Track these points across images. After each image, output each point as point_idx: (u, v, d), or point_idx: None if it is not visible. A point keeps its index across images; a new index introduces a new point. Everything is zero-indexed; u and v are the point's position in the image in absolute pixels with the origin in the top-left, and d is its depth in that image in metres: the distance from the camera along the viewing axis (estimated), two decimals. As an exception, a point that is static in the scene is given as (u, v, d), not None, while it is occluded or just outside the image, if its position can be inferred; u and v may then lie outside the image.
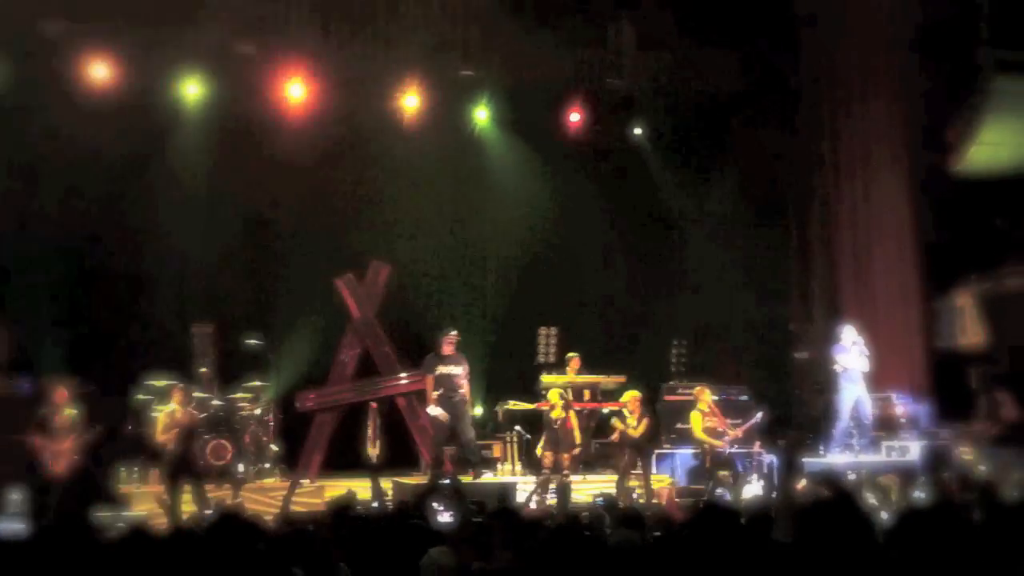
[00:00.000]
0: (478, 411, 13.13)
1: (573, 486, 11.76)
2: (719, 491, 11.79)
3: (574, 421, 12.37)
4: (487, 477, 12.53)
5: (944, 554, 4.58)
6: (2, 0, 12.23)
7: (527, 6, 14.84)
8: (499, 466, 13.21)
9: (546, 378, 13.45)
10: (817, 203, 15.39)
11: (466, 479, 11.66)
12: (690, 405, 13.12)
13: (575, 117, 15.56)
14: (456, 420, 12.40)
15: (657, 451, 13.51)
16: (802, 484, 9.08)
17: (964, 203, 13.65)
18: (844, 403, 12.90)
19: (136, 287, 13.47)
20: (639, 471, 12.30)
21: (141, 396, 12.17)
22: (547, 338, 14.75)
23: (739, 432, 12.44)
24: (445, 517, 7.78)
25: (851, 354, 12.93)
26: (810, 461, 12.31)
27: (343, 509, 6.99)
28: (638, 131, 16.10)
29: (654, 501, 11.57)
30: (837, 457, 12.61)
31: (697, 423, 12.43)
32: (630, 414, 12.25)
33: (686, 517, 7.05)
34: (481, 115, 15.25)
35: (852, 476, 11.59)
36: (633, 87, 15.67)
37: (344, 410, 13.96)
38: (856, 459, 12.50)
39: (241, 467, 12.09)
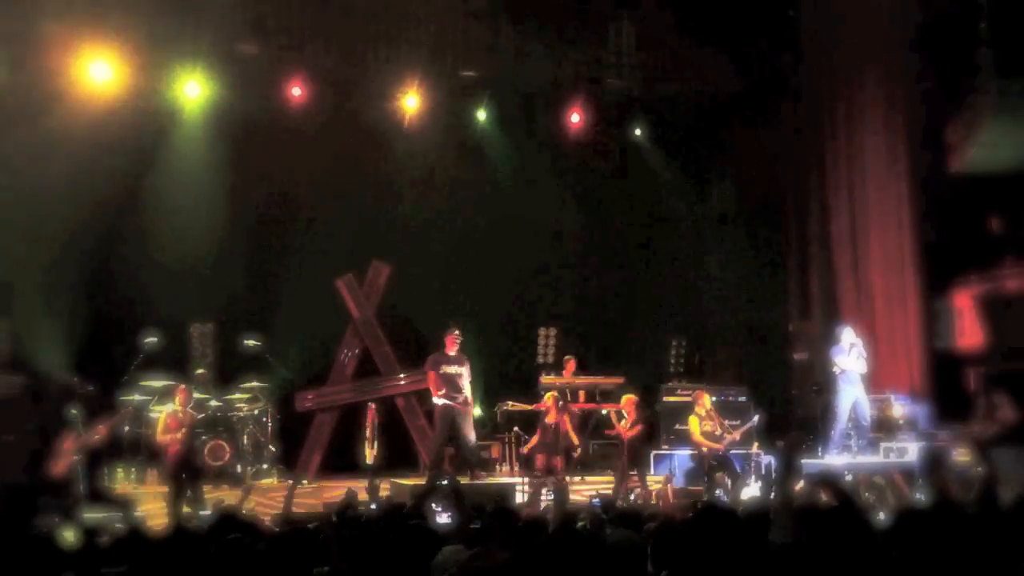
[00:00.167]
0: (477, 411, 13.09)
1: (571, 488, 11.77)
2: (717, 492, 11.81)
3: (569, 425, 12.40)
4: (486, 478, 12.52)
5: (942, 555, 4.59)
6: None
7: (527, 7, 14.86)
8: (498, 467, 13.21)
9: (545, 379, 13.46)
10: (816, 203, 15.39)
11: (464, 480, 11.65)
12: (688, 406, 13.15)
13: (575, 118, 15.57)
14: (457, 422, 12.37)
15: (655, 452, 13.53)
16: (799, 485, 9.07)
17: (963, 204, 13.65)
18: (842, 404, 12.89)
19: (136, 287, 13.46)
20: (634, 473, 12.31)
21: (139, 396, 12.18)
22: (546, 339, 14.79)
23: (737, 435, 12.48)
24: (444, 518, 7.76)
25: (850, 355, 12.92)
26: (808, 462, 12.31)
27: (344, 509, 7.00)
28: (638, 131, 16.12)
29: (651, 502, 11.57)
30: (835, 458, 12.60)
31: (695, 426, 12.48)
32: (626, 416, 12.29)
33: (684, 517, 7.06)
34: (481, 115, 15.26)
35: (849, 477, 11.59)
36: (633, 87, 15.68)
37: (343, 410, 13.97)
38: (854, 460, 12.50)
39: (239, 467, 12.09)
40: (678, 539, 5.34)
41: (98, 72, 13.09)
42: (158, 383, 12.36)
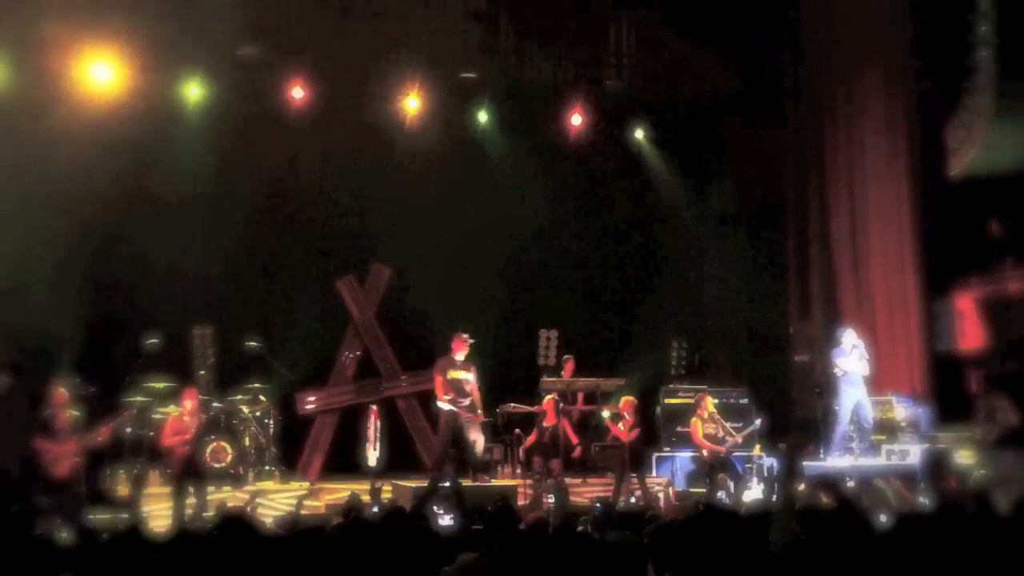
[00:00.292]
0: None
1: (572, 490, 11.77)
2: (719, 494, 11.81)
3: (568, 427, 12.43)
4: (488, 481, 12.50)
5: (943, 557, 4.59)
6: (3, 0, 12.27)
7: (527, 8, 14.87)
8: (499, 469, 13.21)
9: (546, 380, 13.47)
10: (816, 205, 15.39)
11: (466, 482, 11.65)
12: (690, 408, 13.17)
13: (575, 118, 15.58)
14: (462, 427, 12.33)
15: (656, 454, 13.53)
16: (801, 488, 9.08)
17: (963, 205, 13.65)
18: (844, 407, 12.89)
19: (137, 288, 13.47)
20: (634, 475, 12.31)
21: (140, 398, 12.18)
22: (547, 340, 14.79)
23: (739, 438, 12.51)
24: (446, 520, 7.76)
25: (851, 357, 12.92)
26: (810, 465, 12.32)
27: (348, 512, 7.00)
28: (638, 132, 16.12)
29: (652, 504, 11.57)
30: (837, 461, 12.61)
31: (698, 428, 12.49)
32: (626, 418, 12.30)
33: (685, 520, 7.06)
34: (481, 117, 15.27)
35: (851, 480, 11.58)
36: (633, 88, 15.68)
37: (344, 412, 13.97)
38: (856, 462, 12.50)
39: (240, 469, 12.09)
40: (679, 541, 5.36)
41: (99, 74, 13.10)
42: (159, 385, 12.36)
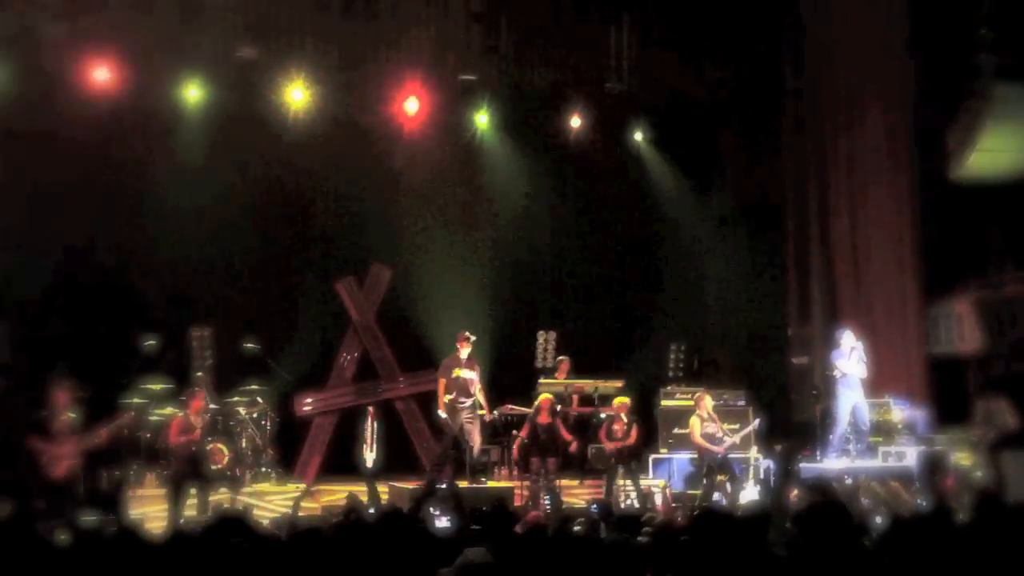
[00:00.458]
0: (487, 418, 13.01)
1: (570, 491, 11.80)
2: (716, 495, 11.82)
3: (562, 427, 12.45)
4: (485, 482, 12.50)
5: (937, 559, 4.60)
6: (3, 2, 12.27)
7: (527, 10, 14.87)
8: (497, 470, 13.21)
9: (544, 382, 13.47)
10: (816, 207, 15.39)
11: (463, 484, 11.65)
12: (687, 410, 13.17)
13: (575, 121, 15.58)
14: (462, 427, 12.32)
15: (653, 456, 13.54)
16: (795, 491, 9.10)
17: (963, 209, 13.66)
18: (842, 408, 12.90)
19: (135, 289, 13.47)
20: (628, 478, 12.32)
21: (138, 399, 12.18)
22: (546, 342, 14.79)
23: (736, 439, 12.52)
24: (443, 522, 7.77)
25: (850, 359, 12.91)
26: (807, 466, 12.33)
27: (348, 514, 7.00)
28: (637, 135, 16.13)
29: (648, 506, 11.58)
30: (834, 463, 12.61)
31: (696, 428, 12.50)
32: (620, 421, 12.31)
33: (682, 521, 7.07)
34: (481, 119, 15.28)
35: (848, 481, 11.59)
36: (632, 91, 15.69)
37: (342, 414, 13.97)
38: (853, 464, 12.50)
39: (238, 471, 12.09)
40: (676, 543, 5.36)
41: (99, 75, 13.10)
42: (157, 386, 12.36)
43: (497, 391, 13.57)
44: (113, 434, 10.65)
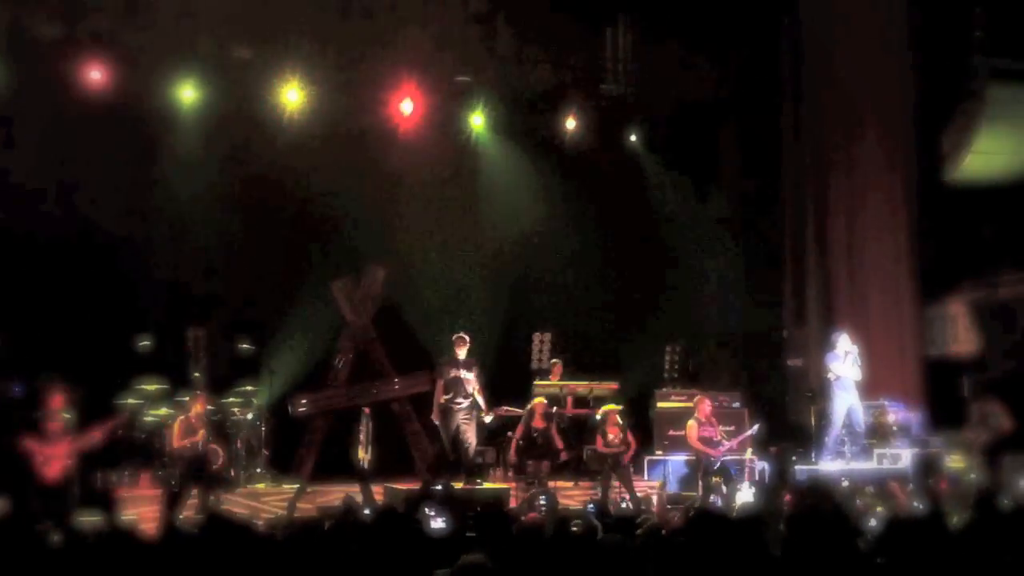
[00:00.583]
0: (487, 418, 13.01)
1: (565, 493, 11.80)
2: (711, 498, 11.83)
3: (555, 431, 12.45)
4: (481, 484, 12.49)
5: (932, 562, 4.61)
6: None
7: (525, 11, 14.87)
8: (492, 472, 13.20)
9: (539, 384, 13.46)
10: (811, 210, 15.42)
11: (459, 485, 11.65)
12: (683, 411, 13.19)
13: (571, 122, 15.58)
14: (459, 427, 12.31)
15: (649, 458, 13.54)
16: (787, 496, 9.12)
17: (958, 211, 13.69)
18: (836, 411, 12.92)
19: (131, 290, 13.45)
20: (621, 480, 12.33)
21: (133, 400, 12.16)
22: (541, 343, 14.79)
23: (734, 443, 12.52)
24: (438, 523, 7.76)
25: (845, 362, 12.94)
26: (802, 469, 12.34)
27: (344, 515, 6.99)
28: (633, 136, 16.13)
29: (643, 508, 11.59)
30: (829, 465, 12.63)
31: (693, 432, 12.51)
32: (614, 428, 12.31)
33: (678, 523, 7.07)
34: (477, 120, 15.27)
35: (845, 483, 11.60)
36: (629, 92, 15.69)
37: (337, 415, 13.95)
38: (848, 467, 12.52)
39: (232, 472, 12.07)
40: (672, 545, 5.36)
41: (93, 76, 13.08)
42: (152, 387, 12.34)
43: (493, 392, 13.56)
44: (108, 435, 10.63)
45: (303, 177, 14.36)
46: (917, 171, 14.38)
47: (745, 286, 15.93)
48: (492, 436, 13.43)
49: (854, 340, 13.11)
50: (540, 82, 15.18)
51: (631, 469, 12.68)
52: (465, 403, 12.33)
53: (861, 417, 12.96)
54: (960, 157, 13.55)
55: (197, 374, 12.79)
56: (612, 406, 12.63)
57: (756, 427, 12.82)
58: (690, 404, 13.45)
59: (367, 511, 9.68)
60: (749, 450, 12.69)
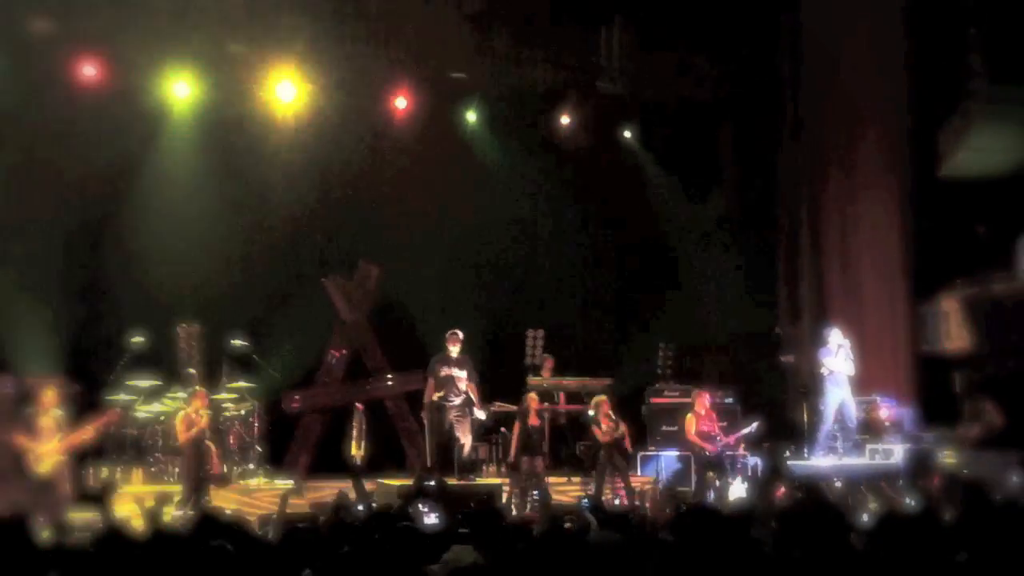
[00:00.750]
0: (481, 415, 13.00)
1: (558, 488, 11.82)
2: (705, 493, 11.85)
3: (545, 425, 12.48)
4: (474, 480, 12.49)
5: (924, 557, 4.61)
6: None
7: (520, 9, 14.86)
8: (485, 468, 13.20)
9: (532, 380, 13.47)
10: (805, 207, 15.44)
11: (452, 481, 11.64)
12: (676, 407, 13.22)
13: (566, 120, 15.57)
14: (451, 425, 12.30)
15: (642, 453, 13.56)
16: (782, 489, 9.14)
17: (952, 208, 13.71)
18: (829, 406, 12.94)
19: (123, 286, 13.42)
20: (617, 474, 12.33)
21: (125, 396, 12.14)
22: (535, 340, 14.80)
23: (731, 439, 12.51)
24: (431, 519, 7.76)
25: (837, 357, 12.96)
26: (794, 464, 12.36)
27: (337, 511, 6.99)
28: (628, 135, 16.13)
29: (637, 503, 11.60)
30: (821, 460, 12.65)
31: (691, 425, 12.52)
32: (606, 419, 12.32)
33: (670, 518, 7.07)
34: (471, 118, 15.25)
35: (837, 480, 11.62)
36: (624, 91, 15.69)
37: (330, 411, 13.94)
38: (840, 462, 12.54)
39: (224, 468, 12.06)
40: (664, 540, 5.37)
41: (87, 71, 13.04)
42: (145, 383, 12.33)
43: (486, 389, 13.56)
44: (99, 432, 10.62)
45: (296, 173, 14.34)
46: (912, 169, 14.39)
47: (738, 282, 15.95)
48: (486, 432, 13.43)
49: (847, 335, 13.13)
50: (536, 80, 15.17)
51: (629, 458, 12.70)
52: (457, 401, 12.30)
53: (853, 413, 12.98)
54: (955, 154, 13.57)
55: (191, 370, 12.78)
56: (602, 396, 12.63)
57: (756, 424, 12.79)
58: (684, 400, 13.49)
59: (360, 508, 9.70)
60: (742, 446, 12.71)
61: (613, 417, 12.44)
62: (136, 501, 10.12)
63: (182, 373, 12.75)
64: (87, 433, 10.24)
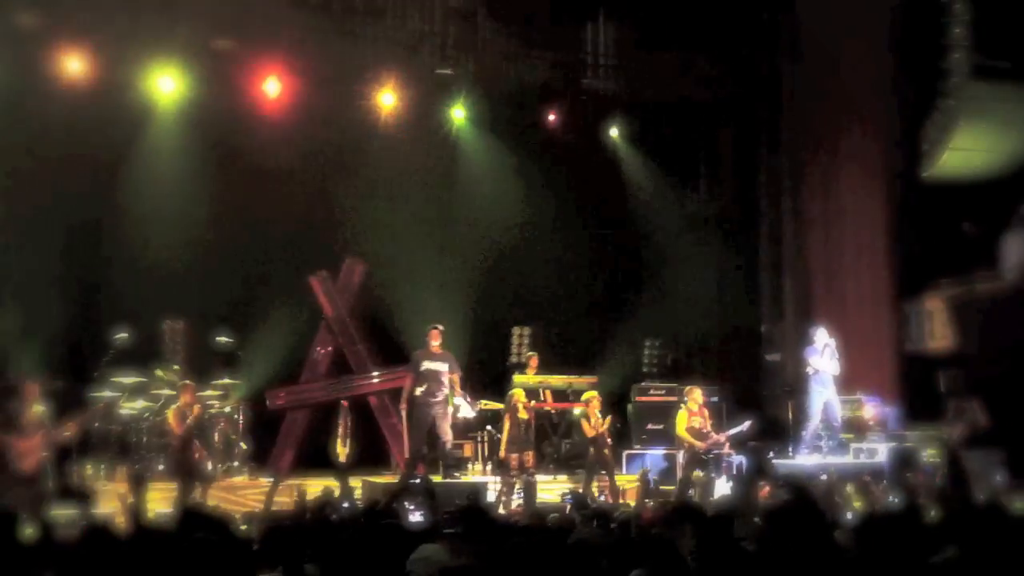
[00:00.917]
0: (473, 412, 12.97)
1: (542, 485, 11.82)
2: (689, 491, 11.86)
3: (532, 421, 12.50)
4: (459, 477, 12.48)
5: (907, 555, 4.63)
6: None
7: (507, 6, 14.84)
8: (470, 466, 13.20)
9: (518, 378, 13.46)
10: (790, 205, 15.48)
11: (437, 479, 11.64)
12: (661, 405, 13.25)
13: (553, 117, 15.56)
14: (434, 421, 12.27)
15: (627, 451, 13.57)
16: (766, 487, 9.17)
17: (936, 208, 13.76)
18: (813, 405, 12.98)
19: (107, 282, 13.37)
20: (604, 471, 12.35)
21: (109, 392, 12.09)
22: (520, 338, 14.79)
23: (722, 437, 12.49)
24: (417, 517, 7.76)
25: (823, 356, 13.00)
26: (779, 463, 12.39)
27: (322, 508, 6.98)
28: (614, 133, 16.13)
29: (621, 500, 11.61)
30: (806, 459, 12.69)
31: (682, 421, 12.51)
32: (595, 416, 12.34)
33: (654, 516, 7.09)
34: (458, 114, 15.23)
35: (823, 478, 11.65)
36: (610, 89, 15.69)
37: (315, 408, 13.91)
38: (824, 461, 12.58)
39: (209, 465, 12.03)
40: (648, 537, 5.38)
41: (72, 67, 12.97)
42: (128, 379, 12.28)
43: (471, 387, 13.55)
44: (83, 428, 10.57)
45: (282, 169, 14.29)
46: (897, 168, 14.44)
47: (724, 281, 15.98)
48: (470, 429, 13.43)
49: (832, 334, 13.18)
50: (522, 76, 15.15)
51: (619, 457, 12.71)
52: (440, 396, 12.27)
53: (838, 411, 13.02)
54: (939, 154, 13.61)
55: (176, 367, 12.74)
56: (592, 392, 12.64)
57: (748, 423, 12.76)
58: (670, 399, 13.50)
59: (345, 505, 9.68)
60: (727, 444, 12.72)
61: (599, 413, 12.45)
62: (120, 497, 10.10)
63: (166, 369, 12.71)
64: (70, 429, 10.19)
